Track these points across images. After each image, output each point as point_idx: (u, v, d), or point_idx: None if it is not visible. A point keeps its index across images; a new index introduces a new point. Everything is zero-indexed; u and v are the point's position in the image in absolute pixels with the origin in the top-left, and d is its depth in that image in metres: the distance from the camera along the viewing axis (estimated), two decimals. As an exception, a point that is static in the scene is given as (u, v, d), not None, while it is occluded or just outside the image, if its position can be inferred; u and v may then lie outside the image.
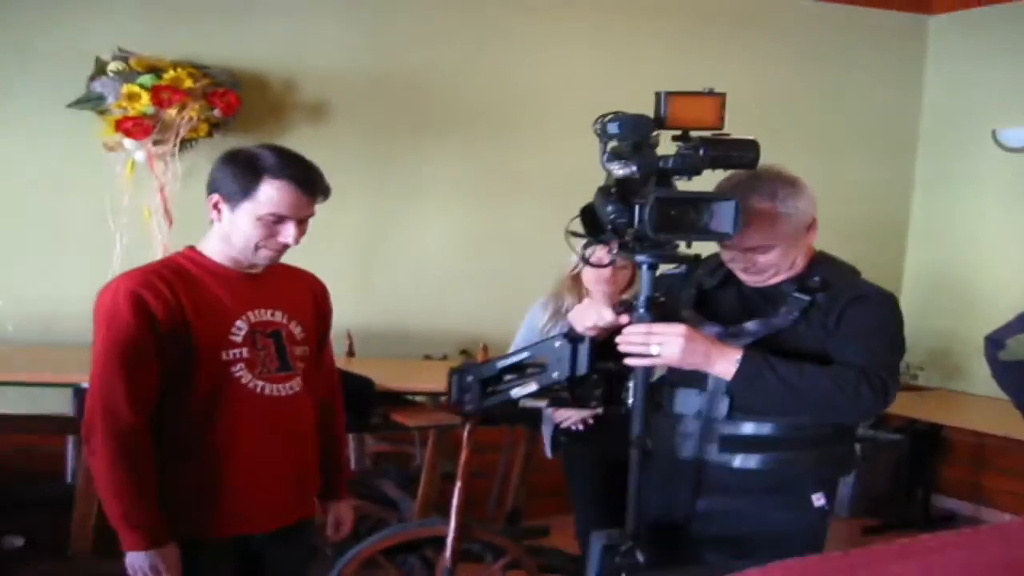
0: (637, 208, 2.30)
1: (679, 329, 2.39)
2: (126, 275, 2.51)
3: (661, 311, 2.44)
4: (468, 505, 3.63)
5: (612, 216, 2.32)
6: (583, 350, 2.50)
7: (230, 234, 2.53)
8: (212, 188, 2.51)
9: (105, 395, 2.46)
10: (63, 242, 4.74)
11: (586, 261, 2.52)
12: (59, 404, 4.33)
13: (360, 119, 5.20)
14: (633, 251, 2.38)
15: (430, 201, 5.29)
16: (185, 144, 4.61)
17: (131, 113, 4.47)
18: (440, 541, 3.70)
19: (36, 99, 4.66)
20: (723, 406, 2.59)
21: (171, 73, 4.53)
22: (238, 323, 2.53)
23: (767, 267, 2.59)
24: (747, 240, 2.51)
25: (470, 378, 2.60)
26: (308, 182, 2.50)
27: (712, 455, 2.61)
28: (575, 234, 2.47)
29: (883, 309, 2.59)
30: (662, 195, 2.28)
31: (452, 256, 5.37)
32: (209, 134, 4.68)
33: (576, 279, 3.80)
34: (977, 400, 5.70)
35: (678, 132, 2.39)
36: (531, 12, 5.41)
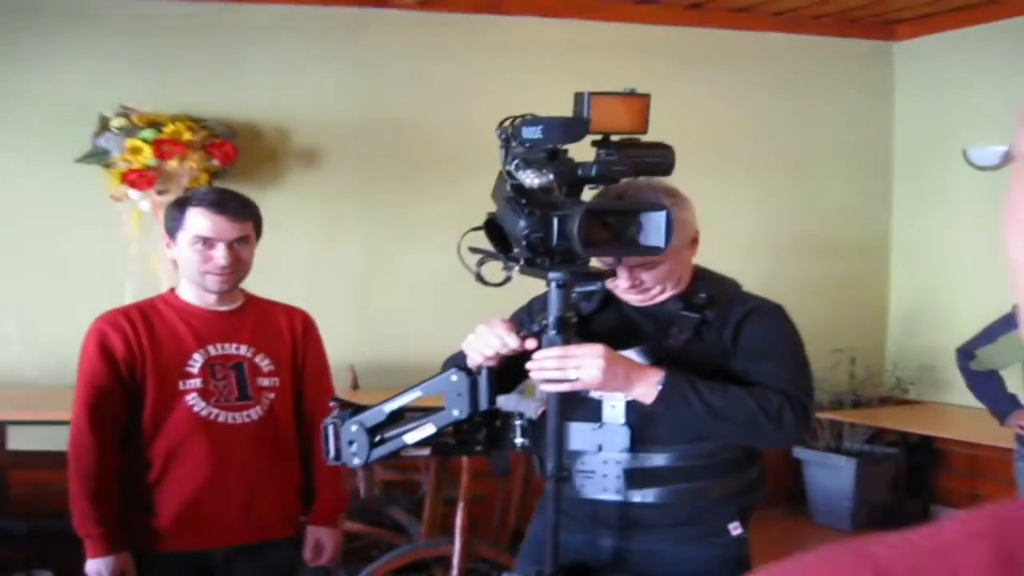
0: (556, 221, 2.07)
1: (597, 350, 2.17)
2: (102, 316, 2.83)
3: (574, 332, 2.23)
4: (473, 527, 3.80)
5: (526, 231, 2.07)
6: (483, 382, 2.22)
7: (182, 267, 2.83)
8: (165, 231, 2.84)
9: (74, 420, 2.77)
10: (76, 289, 4.92)
11: (481, 279, 2.22)
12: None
13: (351, 162, 5.41)
14: (542, 268, 2.15)
15: (421, 235, 5.45)
16: (187, 193, 4.83)
17: (135, 166, 4.67)
18: (447, 560, 3.87)
19: (44, 153, 4.87)
20: (623, 439, 2.37)
21: (171, 127, 4.74)
22: (195, 356, 2.79)
23: (654, 284, 2.39)
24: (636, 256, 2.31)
25: (354, 428, 2.29)
26: (222, 204, 2.78)
27: (617, 494, 2.39)
28: (476, 250, 2.25)
29: (782, 321, 2.43)
30: (593, 207, 2.07)
31: (446, 286, 5.50)
32: (209, 183, 4.87)
33: None
34: (967, 411, 5.82)
35: (597, 137, 2.19)
36: (507, 54, 5.62)
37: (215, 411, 2.79)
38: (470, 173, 5.97)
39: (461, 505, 3.82)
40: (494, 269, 2.21)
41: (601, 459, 2.39)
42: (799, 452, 6.07)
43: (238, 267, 2.81)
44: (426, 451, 2.36)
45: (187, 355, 2.79)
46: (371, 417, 2.28)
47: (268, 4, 5.19)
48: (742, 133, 5.91)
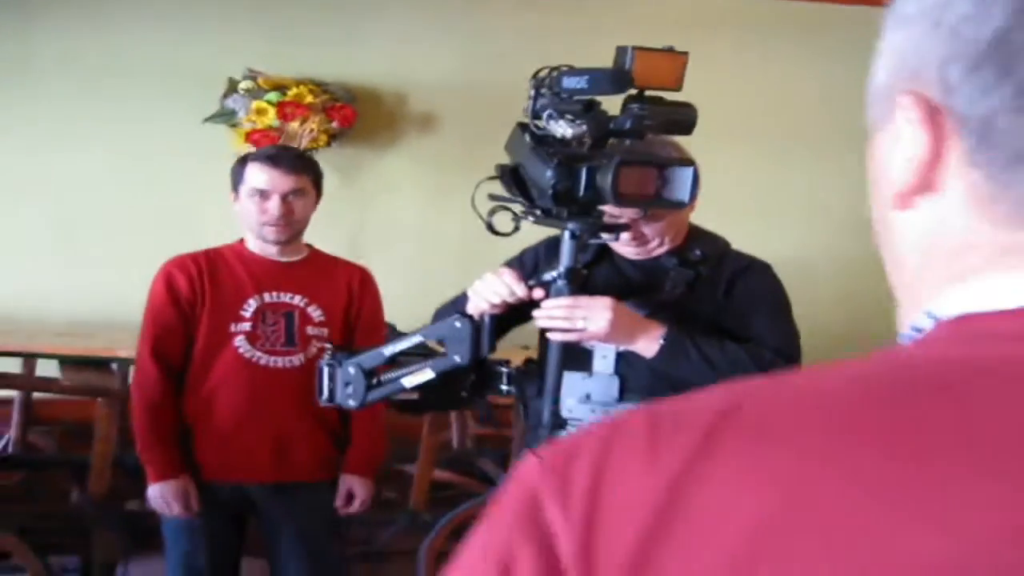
0: (584, 172, 2.05)
1: (605, 302, 2.21)
2: (171, 259, 3.09)
3: (580, 283, 2.24)
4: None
5: (553, 181, 2.05)
6: (485, 329, 2.22)
7: (243, 219, 3.05)
8: (231, 187, 3.07)
9: (138, 353, 3.04)
10: (200, 240, 5.15)
11: (492, 229, 2.23)
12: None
13: (464, 127, 5.56)
14: (559, 218, 2.15)
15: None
16: (307, 153, 5.06)
17: (259, 126, 4.91)
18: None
19: (175, 113, 5.11)
20: (613, 389, 2.42)
21: (294, 90, 4.97)
22: (250, 301, 3.00)
23: (653, 238, 2.42)
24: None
25: (352, 370, 2.29)
26: (276, 158, 2.99)
27: None
28: (496, 197, 2.24)
29: (771, 280, 2.49)
30: (627, 158, 2.03)
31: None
32: (328, 144, 5.11)
33: None
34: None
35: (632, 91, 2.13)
36: (617, 23, 5.75)
37: (259, 354, 2.98)
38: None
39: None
40: (504, 219, 2.21)
41: (589, 408, 2.42)
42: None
43: (291, 219, 2.99)
44: (413, 395, 2.31)
45: (243, 300, 3.00)
46: (370, 359, 2.30)
47: (390, -27, 5.37)
48: (841, 110, 5.95)
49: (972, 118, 0.59)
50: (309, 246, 3.18)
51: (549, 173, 2.04)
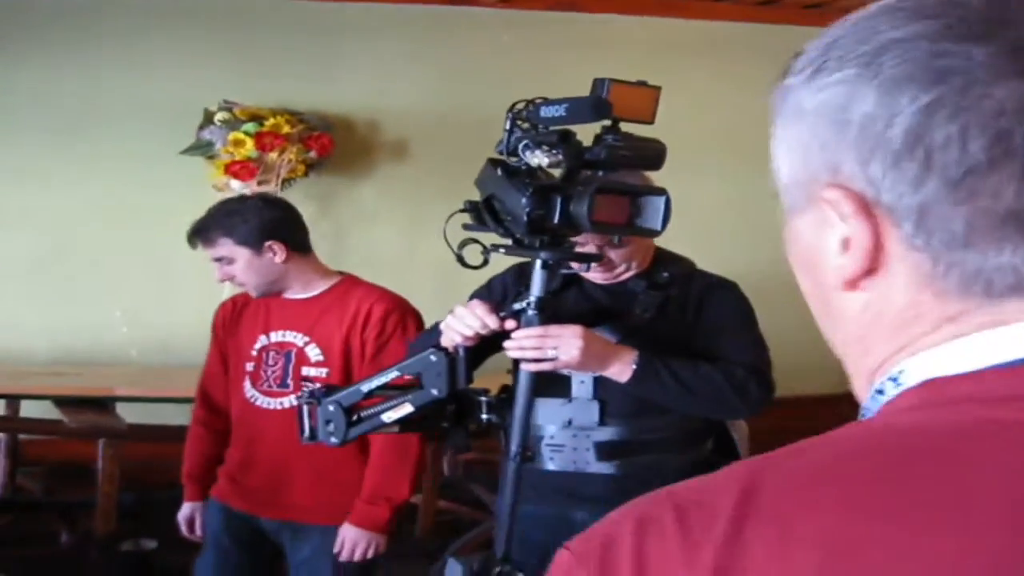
0: (559, 200, 2.07)
1: (575, 330, 2.22)
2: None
3: (551, 313, 2.24)
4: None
5: (528, 208, 2.07)
6: (460, 362, 2.24)
7: None
8: None
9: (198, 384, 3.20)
10: (177, 275, 5.18)
11: (463, 261, 2.23)
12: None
13: (436, 154, 5.61)
14: (531, 248, 2.16)
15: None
16: (285, 183, 5.07)
17: (237, 157, 4.94)
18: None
19: (151, 146, 5.13)
20: (594, 413, 2.45)
21: (271, 120, 4.99)
22: (258, 340, 3.02)
23: (620, 263, 2.46)
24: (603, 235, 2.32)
25: (332, 407, 2.30)
26: (190, 240, 3.02)
27: (589, 466, 2.46)
28: (472, 228, 2.24)
29: (739, 298, 2.52)
30: (604, 186, 2.06)
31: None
32: (306, 174, 5.14)
33: None
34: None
35: (607, 123, 2.14)
36: (587, 50, 5.78)
37: (257, 395, 3.00)
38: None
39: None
40: (474, 252, 2.22)
41: (571, 433, 2.46)
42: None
43: (236, 281, 2.97)
44: (394, 429, 2.33)
45: (254, 339, 3.02)
46: (348, 397, 2.31)
47: (361, 3, 5.42)
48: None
49: (904, 208, 0.63)
50: (343, 275, 3.10)
51: (524, 200, 2.07)
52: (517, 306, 2.24)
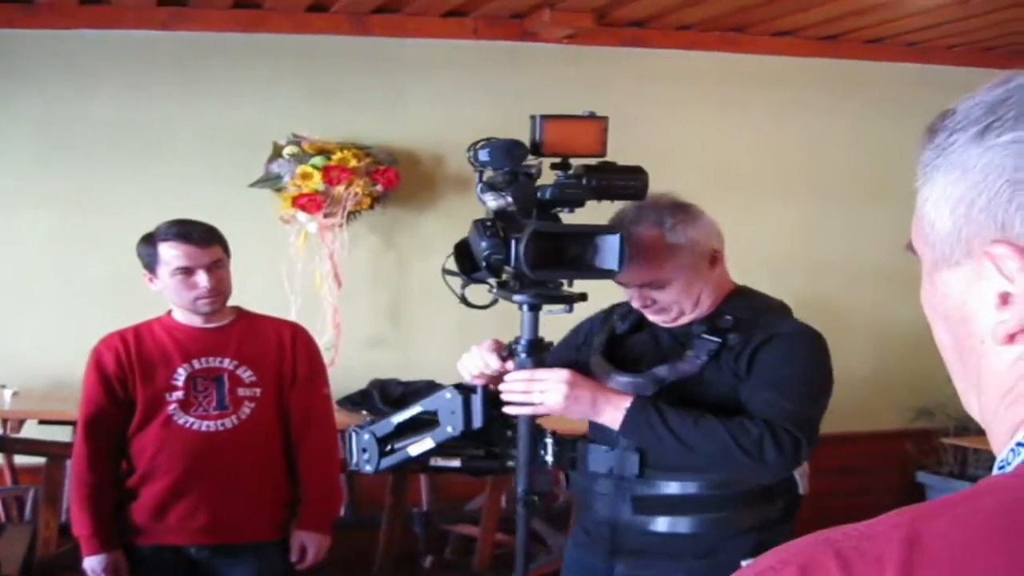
0: (514, 243, 2.07)
1: (562, 375, 2.16)
2: (102, 338, 3.17)
3: (544, 356, 2.20)
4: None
5: (487, 252, 2.10)
6: (476, 401, 2.25)
7: (170, 297, 3.12)
8: (143, 267, 3.12)
9: (76, 431, 3.15)
10: (247, 306, 5.28)
11: (465, 301, 2.26)
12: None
13: (501, 188, 5.66)
14: (512, 290, 2.16)
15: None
16: (351, 216, 5.14)
17: (304, 190, 5.01)
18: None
19: (220, 178, 5.21)
20: (632, 464, 2.32)
21: (338, 154, 5.06)
22: (179, 370, 3.06)
23: (669, 305, 2.33)
24: (638, 275, 2.26)
25: (367, 436, 2.36)
26: (187, 235, 3.04)
27: (624, 516, 2.34)
28: (450, 272, 2.27)
29: (801, 348, 2.31)
30: (540, 229, 2.05)
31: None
32: (371, 207, 5.21)
33: None
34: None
35: (557, 160, 2.16)
36: (651, 86, 5.79)
37: (191, 420, 3.05)
38: (616, 203, 6.22)
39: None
40: (480, 291, 2.25)
41: (612, 482, 2.36)
42: (923, 477, 6.10)
43: (221, 288, 3.07)
44: (455, 463, 2.38)
45: (172, 370, 3.07)
46: (381, 428, 2.38)
47: (427, 39, 5.49)
48: (875, 163, 6.01)
49: None
50: (237, 308, 3.24)
51: (483, 244, 2.10)
52: (515, 348, 2.22)
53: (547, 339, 2.23)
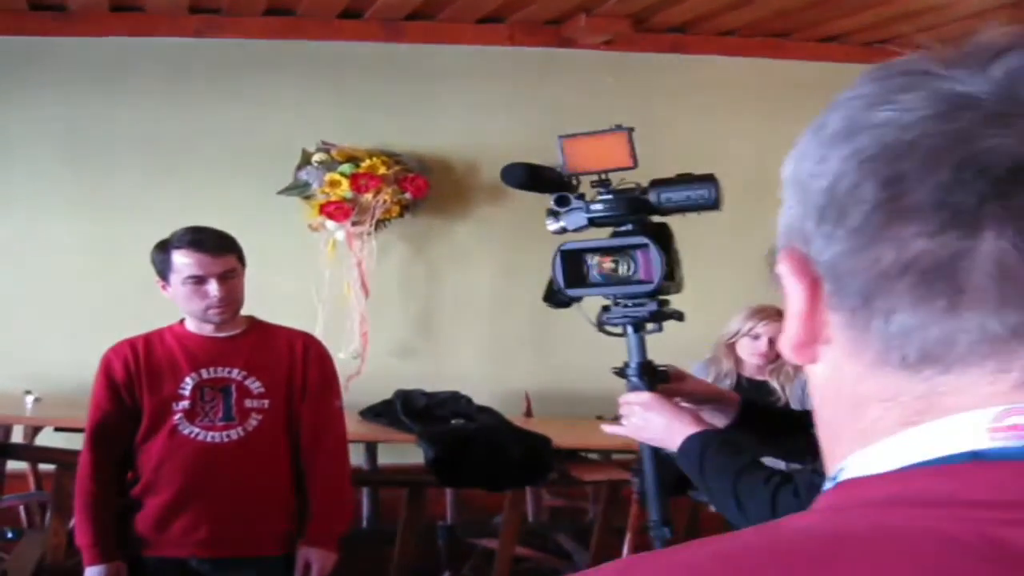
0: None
1: (642, 398, 2.10)
2: (112, 346, 3.09)
3: (656, 378, 2.13)
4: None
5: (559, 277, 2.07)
6: None
7: (181, 305, 3.04)
8: (156, 274, 3.05)
9: (85, 437, 3.08)
10: (274, 313, 5.22)
11: (602, 329, 2.18)
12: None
13: (533, 197, 5.56)
14: (610, 312, 2.12)
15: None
16: (380, 224, 5.08)
17: (333, 198, 4.96)
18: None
19: (249, 185, 5.19)
20: None
21: (367, 162, 5.01)
22: (187, 379, 3.00)
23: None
24: None
25: None
26: (200, 243, 2.96)
27: None
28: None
29: None
30: (565, 247, 2.04)
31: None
32: (401, 215, 5.15)
33: (731, 347, 3.81)
34: None
35: (594, 178, 2.10)
36: (691, 92, 5.70)
37: (197, 430, 3.00)
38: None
39: (629, 535, 3.91)
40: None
41: None
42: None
43: (233, 298, 3.01)
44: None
45: (180, 379, 3.01)
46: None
47: (459, 45, 5.42)
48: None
49: (824, 264, 0.58)
50: (250, 318, 3.18)
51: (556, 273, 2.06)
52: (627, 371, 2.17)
53: (656, 363, 2.15)
